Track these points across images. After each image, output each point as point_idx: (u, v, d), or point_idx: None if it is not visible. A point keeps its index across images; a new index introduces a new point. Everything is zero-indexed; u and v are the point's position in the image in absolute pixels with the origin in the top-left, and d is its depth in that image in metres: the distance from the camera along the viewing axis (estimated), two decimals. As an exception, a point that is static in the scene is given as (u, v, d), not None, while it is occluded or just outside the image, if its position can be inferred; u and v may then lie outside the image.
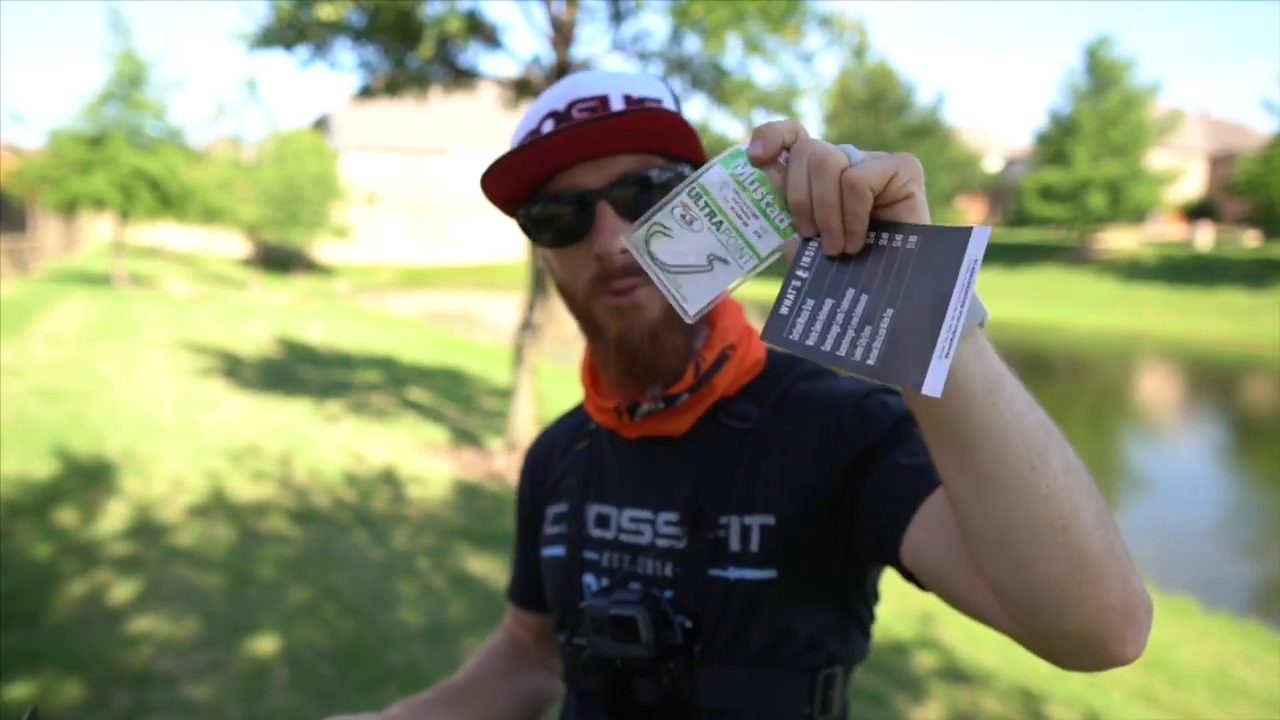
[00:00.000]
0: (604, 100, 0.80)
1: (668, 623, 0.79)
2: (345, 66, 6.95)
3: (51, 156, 17.03)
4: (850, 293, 0.52)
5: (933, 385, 0.47)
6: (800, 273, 0.55)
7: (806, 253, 0.56)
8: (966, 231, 0.50)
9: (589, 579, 0.88)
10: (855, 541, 0.78)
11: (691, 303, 0.58)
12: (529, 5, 6.56)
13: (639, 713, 0.83)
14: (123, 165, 16.82)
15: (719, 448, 0.83)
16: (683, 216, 0.58)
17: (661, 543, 0.83)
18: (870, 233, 0.53)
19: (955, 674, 4.16)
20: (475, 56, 7.04)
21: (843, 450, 0.78)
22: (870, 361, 0.50)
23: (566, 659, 0.91)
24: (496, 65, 31.53)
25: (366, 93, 7.18)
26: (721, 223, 0.58)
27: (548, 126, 0.81)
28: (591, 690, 0.86)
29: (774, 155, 0.55)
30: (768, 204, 0.57)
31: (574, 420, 1.02)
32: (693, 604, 0.80)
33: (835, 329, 0.52)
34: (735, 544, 0.80)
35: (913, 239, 0.52)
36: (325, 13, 5.62)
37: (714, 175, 0.58)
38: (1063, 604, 0.58)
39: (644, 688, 0.81)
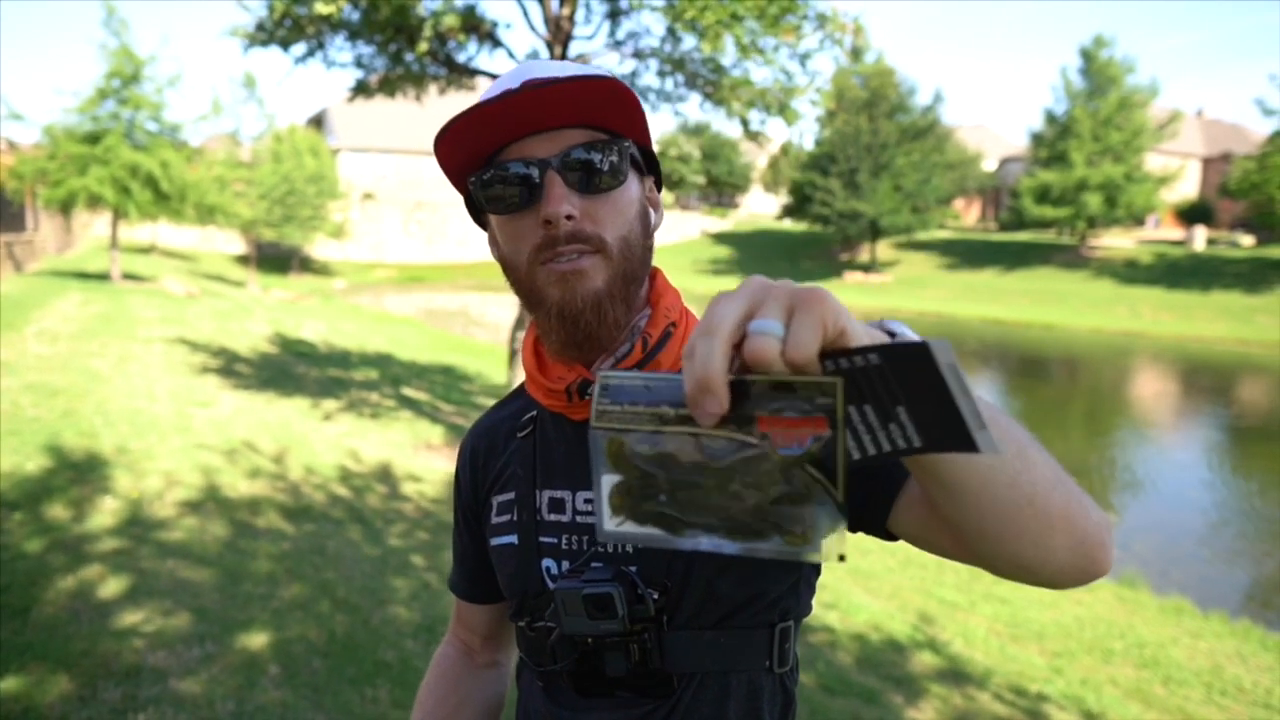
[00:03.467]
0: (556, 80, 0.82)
1: (639, 596, 0.81)
2: (342, 63, 6.94)
3: (47, 153, 16.97)
4: (853, 409, 0.49)
5: (986, 444, 0.47)
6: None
7: None
8: (923, 345, 0.47)
9: (548, 563, 0.88)
10: None
11: None
12: (526, 2, 6.55)
13: (607, 686, 0.86)
14: (119, 162, 16.78)
15: None
16: None
17: None
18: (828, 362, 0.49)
19: (951, 673, 4.16)
20: (473, 53, 7.03)
21: None
22: (917, 444, 0.48)
23: (528, 643, 0.91)
24: (494, 63, 31.50)
25: (362, 89, 7.15)
26: None
27: None
28: (557, 670, 0.88)
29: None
30: None
31: (514, 407, 1.00)
32: (660, 576, 0.83)
33: (868, 437, 0.49)
34: None
35: (872, 357, 0.48)
36: (321, 8, 5.60)
37: None
38: (1041, 559, 0.66)
39: (615, 661, 0.83)
